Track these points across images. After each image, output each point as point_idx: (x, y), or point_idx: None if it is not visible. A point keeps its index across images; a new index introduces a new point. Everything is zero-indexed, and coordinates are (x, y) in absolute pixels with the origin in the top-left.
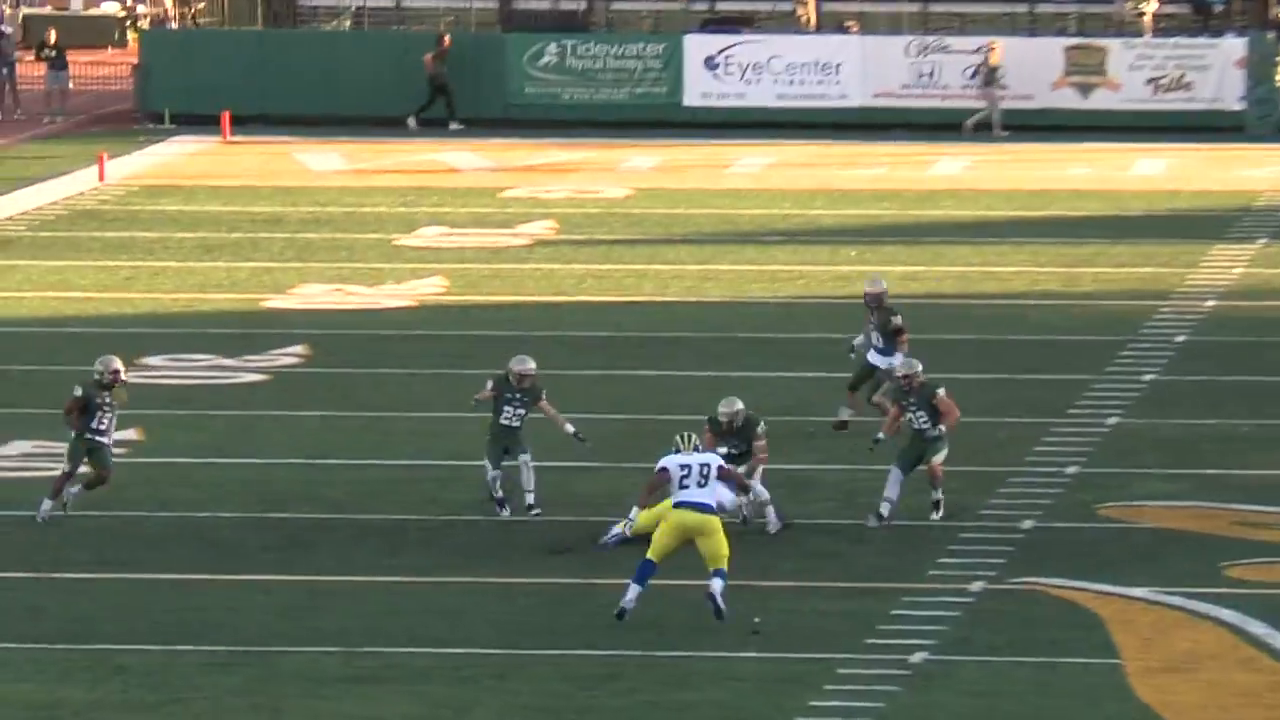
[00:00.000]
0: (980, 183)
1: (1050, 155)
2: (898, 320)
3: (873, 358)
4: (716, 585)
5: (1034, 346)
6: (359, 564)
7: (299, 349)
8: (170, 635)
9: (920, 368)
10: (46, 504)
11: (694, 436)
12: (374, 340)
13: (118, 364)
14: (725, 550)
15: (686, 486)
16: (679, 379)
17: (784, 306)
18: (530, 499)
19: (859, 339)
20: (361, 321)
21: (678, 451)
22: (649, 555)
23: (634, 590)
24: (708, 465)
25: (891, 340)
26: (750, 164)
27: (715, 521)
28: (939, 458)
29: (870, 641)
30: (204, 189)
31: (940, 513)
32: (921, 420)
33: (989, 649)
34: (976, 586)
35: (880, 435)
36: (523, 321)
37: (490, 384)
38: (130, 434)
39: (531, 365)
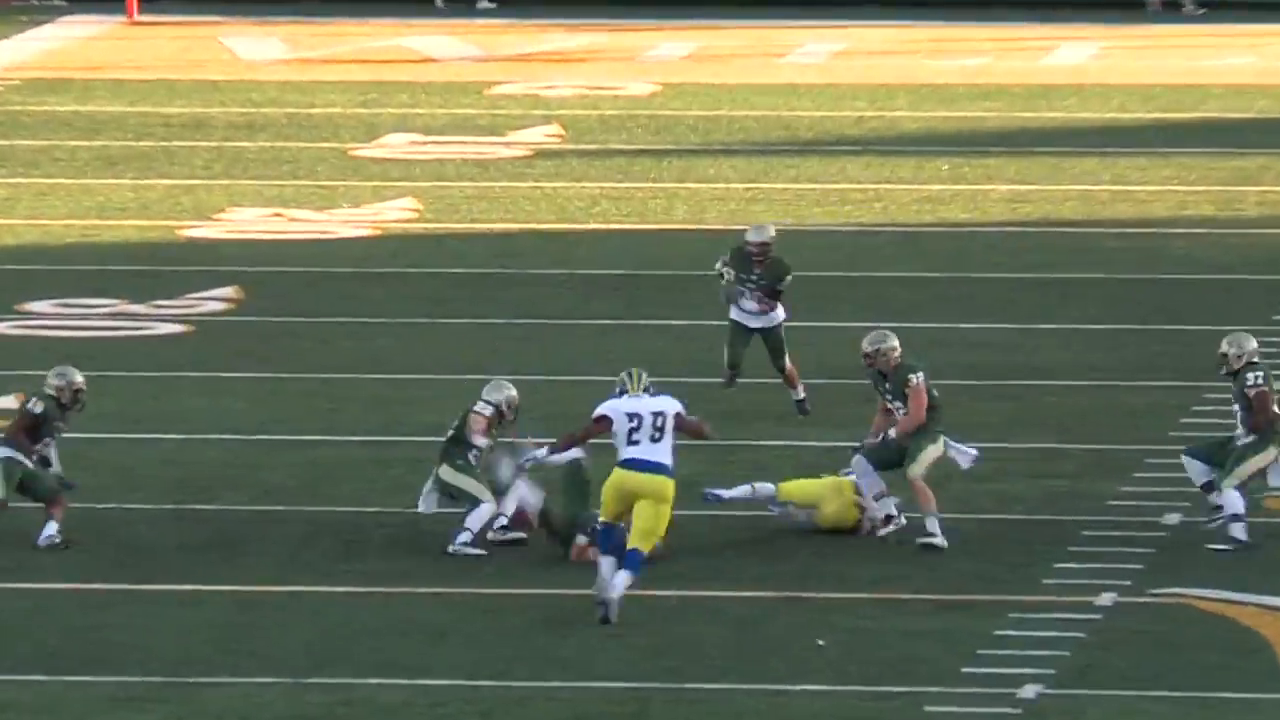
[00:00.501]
0: (1111, 75)
1: (1202, 40)
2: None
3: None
4: (620, 580)
5: (1180, 288)
6: (307, 570)
7: (228, 291)
8: (66, 663)
9: (892, 342)
10: None
11: (644, 376)
12: (324, 280)
13: (79, 378)
14: (659, 529)
15: (636, 442)
16: (716, 330)
17: (855, 236)
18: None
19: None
20: (308, 256)
21: (623, 394)
22: (603, 518)
23: (606, 564)
24: (662, 414)
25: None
26: (812, 52)
27: (667, 487)
28: (916, 469)
29: (968, 671)
30: (104, 84)
31: (934, 538)
32: (901, 413)
33: (1121, 680)
34: (1105, 599)
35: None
36: (518, 256)
37: None
38: (8, 401)
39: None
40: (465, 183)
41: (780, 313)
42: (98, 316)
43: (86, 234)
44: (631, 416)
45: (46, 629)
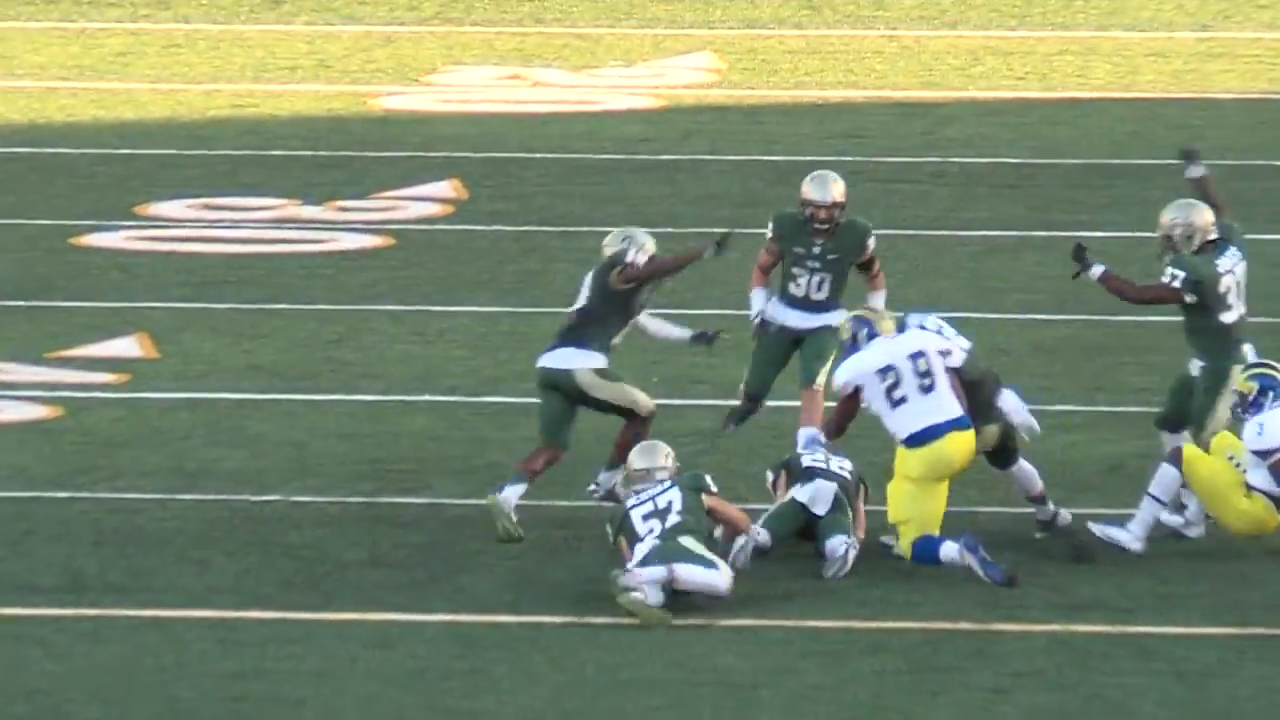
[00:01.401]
0: None
1: None
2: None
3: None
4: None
5: None
6: (546, 593)
7: (443, 189)
8: None
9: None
10: None
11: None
12: (582, 173)
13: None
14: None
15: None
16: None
17: None
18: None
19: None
20: (559, 137)
21: (870, 337)
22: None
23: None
24: (923, 355)
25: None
26: None
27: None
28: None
29: None
30: None
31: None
32: None
33: None
34: None
35: None
36: (867, 137)
37: None
38: (128, 346)
39: None
40: (788, 31)
41: (838, 312)
42: (254, 224)
43: (239, 104)
44: (914, 357)
45: (181, 681)
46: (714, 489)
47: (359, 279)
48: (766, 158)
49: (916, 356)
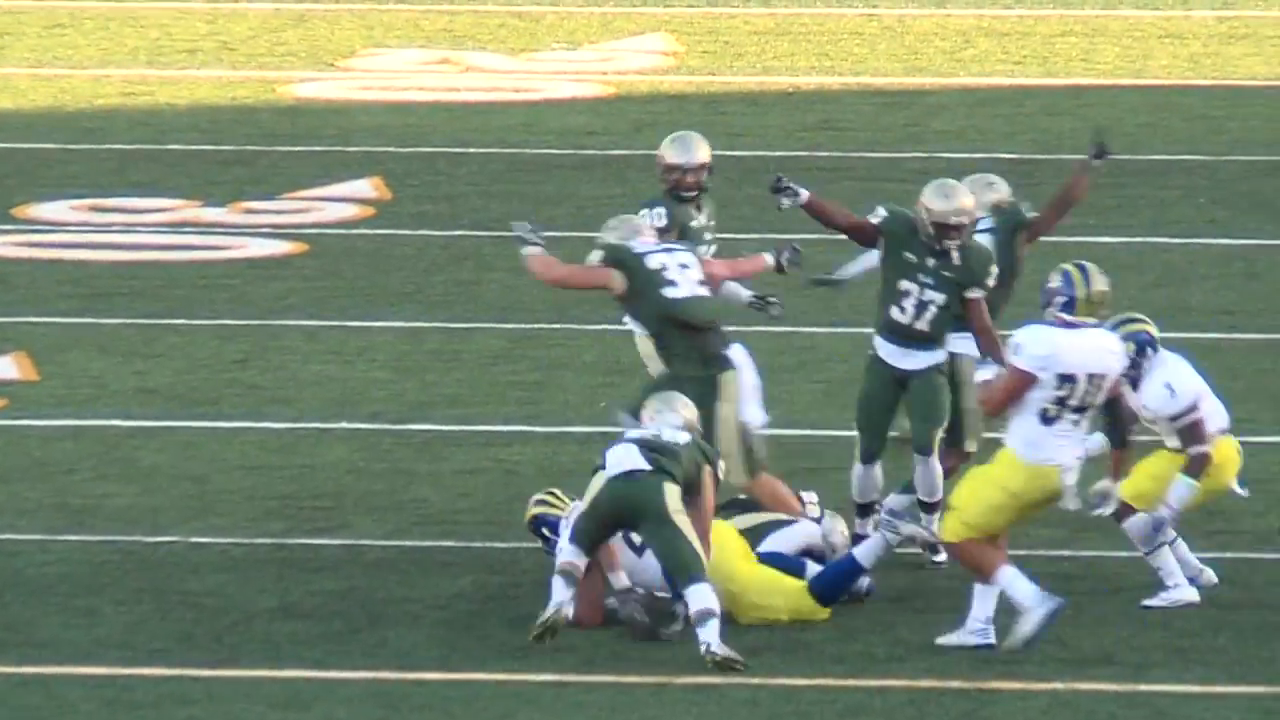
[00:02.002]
0: None
1: None
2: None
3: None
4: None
5: None
6: (480, 647)
7: (362, 188)
8: None
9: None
10: None
11: None
12: (519, 170)
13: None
14: None
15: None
16: None
17: None
18: None
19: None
20: (494, 129)
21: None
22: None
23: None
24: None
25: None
26: None
27: None
28: None
29: None
30: None
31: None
32: None
33: None
34: None
35: None
36: (838, 128)
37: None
38: (5, 367)
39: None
40: (754, 9)
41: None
42: (148, 228)
43: (130, 93)
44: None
45: None
46: (719, 473)
47: (267, 290)
48: (730, 153)
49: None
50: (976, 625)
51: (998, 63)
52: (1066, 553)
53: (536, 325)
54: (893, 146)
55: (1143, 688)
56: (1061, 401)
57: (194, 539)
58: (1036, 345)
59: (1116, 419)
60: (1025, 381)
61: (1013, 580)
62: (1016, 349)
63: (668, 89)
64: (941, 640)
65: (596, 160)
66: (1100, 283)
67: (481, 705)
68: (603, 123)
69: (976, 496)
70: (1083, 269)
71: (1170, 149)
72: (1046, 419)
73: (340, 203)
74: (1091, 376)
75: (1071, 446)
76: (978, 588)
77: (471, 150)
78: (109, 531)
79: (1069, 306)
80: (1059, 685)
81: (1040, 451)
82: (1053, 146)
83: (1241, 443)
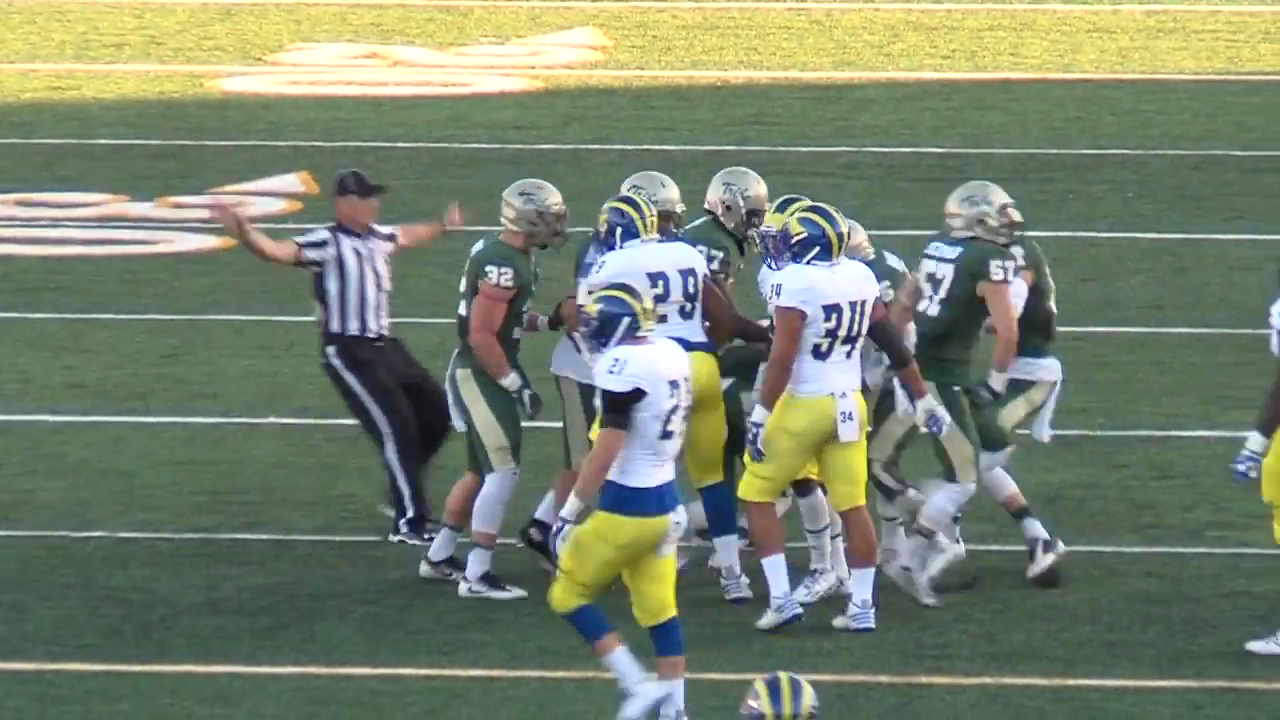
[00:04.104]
0: None
1: None
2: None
3: None
4: None
5: None
6: (409, 641)
7: (290, 182)
8: None
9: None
10: None
11: None
12: (448, 165)
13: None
14: None
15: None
16: None
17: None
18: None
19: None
20: (423, 124)
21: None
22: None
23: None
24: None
25: None
26: None
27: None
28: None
29: None
30: None
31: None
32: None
33: None
34: None
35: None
36: (767, 124)
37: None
38: None
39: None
40: (683, 3)
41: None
42: (76, 223)
43: (58, 87)
44: None
45: None
46: None
47: (196, 285)
48: (658, 147)
49: (857, 304)
50: (855, 610)
51: (926, 57)
52: (995, 547)
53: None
54: (821, 141)
55: (1071, 682)
56: (831, 333)
57: (122, 534)
58: (795, 282)
59: (888, 341)
60: (797, 319)
61: (776, 569)
62: (778, 290)
63: (596, 83)
64: (837, 622)
65: (524, 154)
66: (845, 224)
67: (410, 700)
68: (531, 117)
69: (767, 449)
70: (827, 212)
71: (1098, 143)
72: (819, 353)
73: (268, 197)
74: (853, 304)
75: (844, 376)
76: (855, 574)
77: (399, 144)
78: (37, 527)
79: (825, 254)
80: (988, 680)
81: (814, 384)
82: (981, 141)
83: (1170, 437)
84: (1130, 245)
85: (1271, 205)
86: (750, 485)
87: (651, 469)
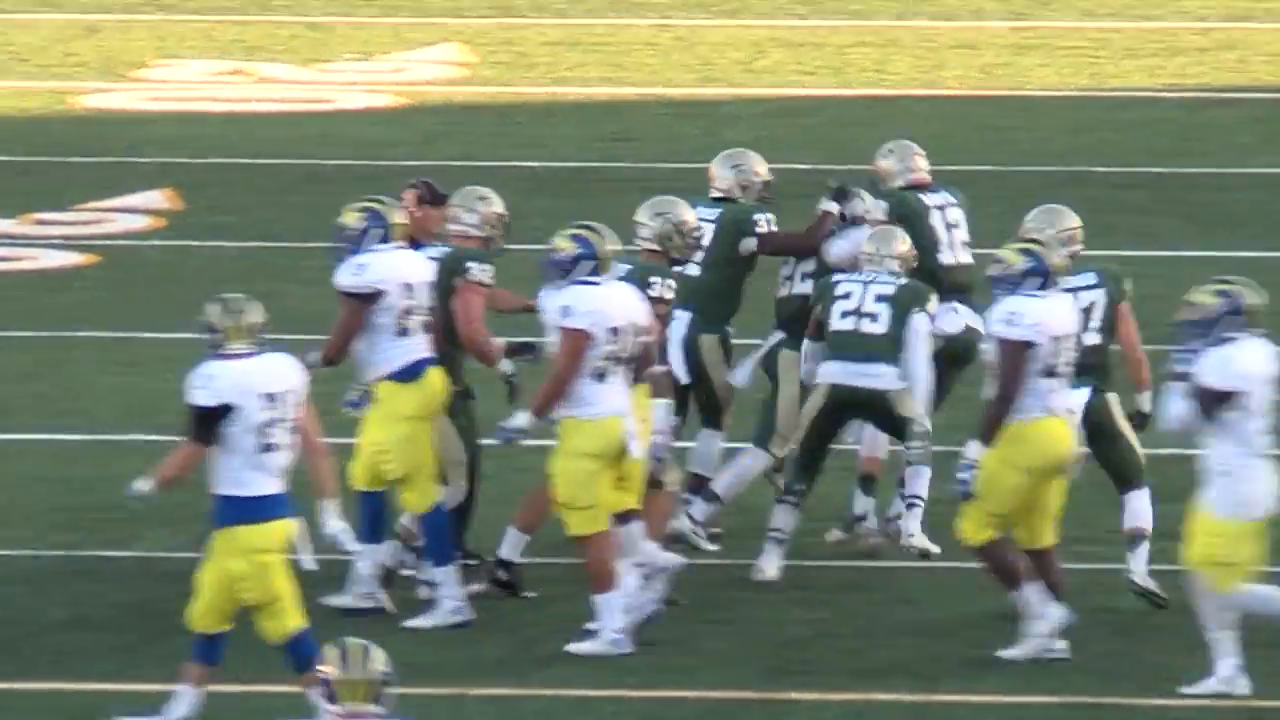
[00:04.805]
0: None
1: None
2: None
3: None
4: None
5: None
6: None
7: (154, 199)
8: None
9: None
10: None
11: None
12: (314, 181)
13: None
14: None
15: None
16: None
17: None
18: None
19: None
20: (286, 140)
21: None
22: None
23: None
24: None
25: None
26: None
27: None
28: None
29: None
30: None
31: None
32: None
33: None
34: None
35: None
36: (637, 140)
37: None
38: None
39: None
40: (547, 19)
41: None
42: None
43: None
44: None
45: None
46: None
47: (59, 301)
48: (523, 163)
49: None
50: (610, 635)
51: (791, 73)
52: (856, 563)
53: (328, 337)
54: (686, 157)
55: (936, 698)
56: (614, 355)
57: None
58: (584, 303)
59: (645, 361)
60: (584, 340)
61: (613, 606)
62: (567, 312)
63: (461, 99)
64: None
65: (390, 171)
66: (613, 239)
67: (269, 717)
68: (395, 133)
69: (566, 478)
70: (595, 229)
71: (963, 159)
72: (601, 376)
73: (132, 214)
74: (632, 326)
75: (624, 397)
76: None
77: (264, 161)
78: None
79: (596, 270)
80: (854, 696)
81: (601, 405)
82: (846, 157)
83: None
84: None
85: (1137, 221)
86: (578, 522)
87: (257, 478)
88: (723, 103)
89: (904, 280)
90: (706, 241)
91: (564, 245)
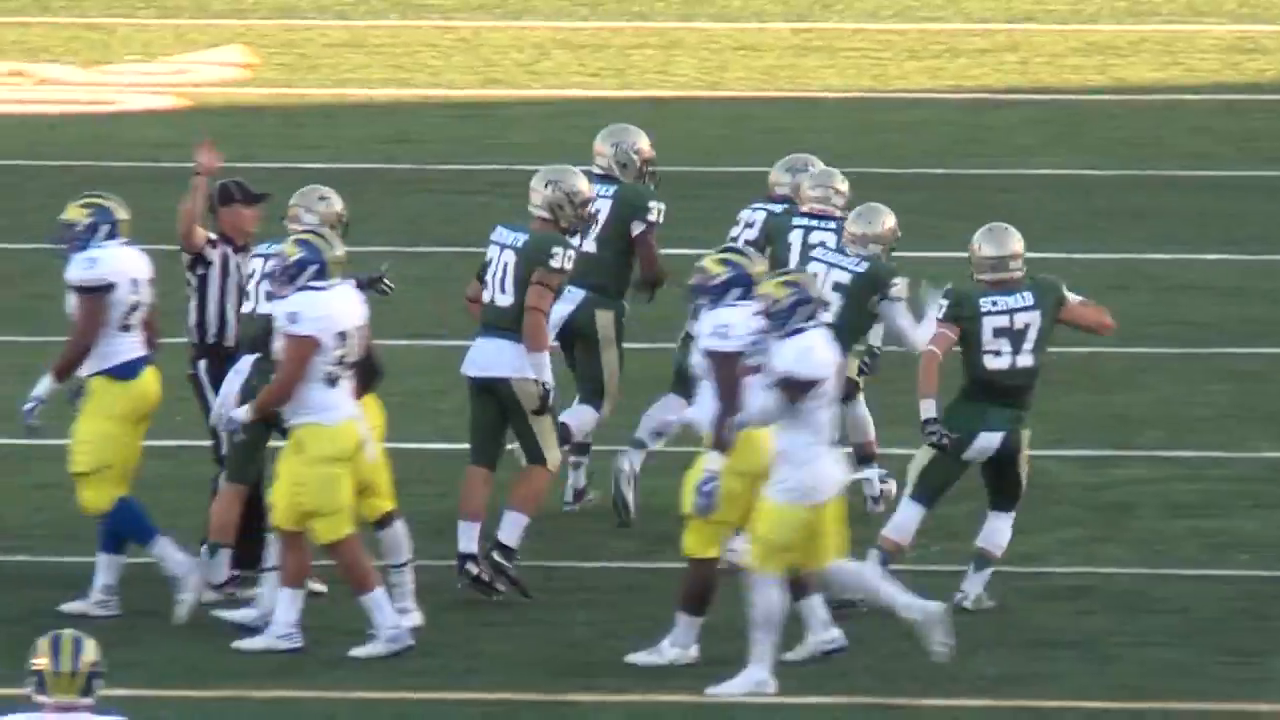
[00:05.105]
0: None
1: None
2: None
3: None
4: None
5: None
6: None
7: None
8: None
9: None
10: None
11: None
12: (96, 184)
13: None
14: None
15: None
16: None
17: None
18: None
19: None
20: (67, 143)
21: None
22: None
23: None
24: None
25: None
26: None
27: None
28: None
29: None
30: None
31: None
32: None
33: None
34: None
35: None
36: (413, 142)
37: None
38: None
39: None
40: (330, 21)
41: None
42: None
43: None
44: None
45: None
46: None
47: None
48: (306, 165)
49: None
50: (283, 629)
51: (574, 75)
52: (640, 565)
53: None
54: (470, 159)
55: (718, 700)
56: (341, 360)
57: None
58: (314, 309)
59: (371, 367)
60: (311, 347)
61: (381, 602)
62: (294, 318)
63: (243, 101)
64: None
65: (172, 173)
66: (341, 247)
67: None
68: (178, 135)
69: (313, 485)
70: (322, 235)
71: (746, 161)
72: (333, 381)
73: None
74: (357, 329)
75: (352, 401)
76: (286, 593)
77: (45, 163)
78: None
79: (321, 274)
80: (635, 697)
81: (337, 410)
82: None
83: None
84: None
85: (917, 221)
86: (326, 529)
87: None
88: (506, 104)
89: (864, 267)
90: (602, 219)
91: (291, 251)
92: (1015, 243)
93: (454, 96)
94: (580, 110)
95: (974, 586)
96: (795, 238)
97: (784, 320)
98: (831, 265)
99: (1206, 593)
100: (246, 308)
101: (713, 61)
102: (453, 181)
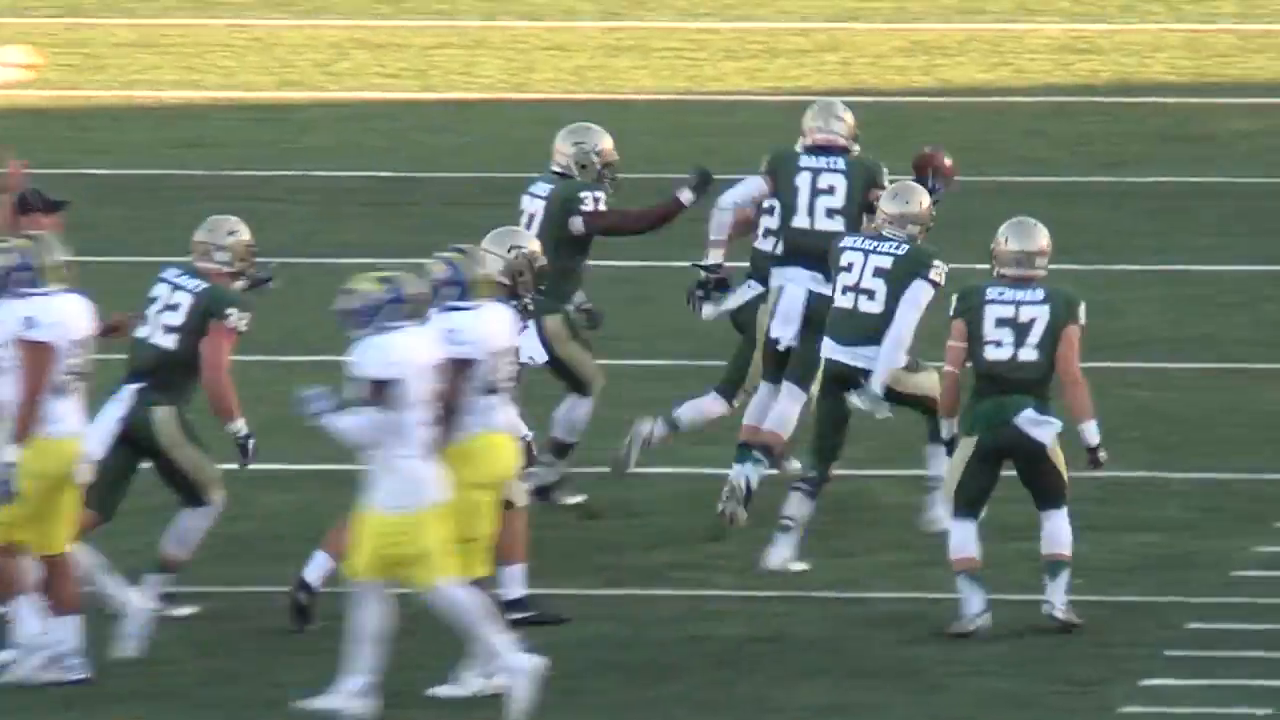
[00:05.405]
0: None
1: None
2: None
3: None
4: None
5: None
6: None
7: None
8: None
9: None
10: None
11: None
12: None
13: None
14: None
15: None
16: None
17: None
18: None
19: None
20: None
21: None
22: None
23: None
24: None
25: None
26: None
27: None
28: None
29: None
30: None
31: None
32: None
33: None
34: None
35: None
36: (205, 145)
37: None
38: None
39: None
40: (117, 19)
41: None
42: None
43: None
44: None
45: None
46: None
47: None
48: (93, 171)
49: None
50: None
51: (373, 76)
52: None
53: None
54: (265, 164)
55: None
56: (74, 370)
57: None
58: (48, 315)
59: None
60: (48, 353)
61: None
62: (31, 323)
63: (26, 103)
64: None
65: None
66: (60, 251)
67: None
68: None
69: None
70: (37, 238)
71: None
72: (63, 391)
73: None
74: (85, 339)
75: (81, 416)
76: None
77: None
78: None
79: (34, 281)
80: None
81: (66, 423)
82: (433, 163)
83: (629, 475)
84: (594, 273)
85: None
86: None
87: None
88: (302, 107)
89: (904, 250)
90: (537, 222)
91: (6, 260)
92: (1042, 239)
93: (248, 99)
94: (380, 113)
95: (1057, 595)
96: (803, 181)
97: (369, 318)
98: (870, 252)
99: (1039, 619)
100: (142, 333)
101: (519, 61)
102: (248, 188)
